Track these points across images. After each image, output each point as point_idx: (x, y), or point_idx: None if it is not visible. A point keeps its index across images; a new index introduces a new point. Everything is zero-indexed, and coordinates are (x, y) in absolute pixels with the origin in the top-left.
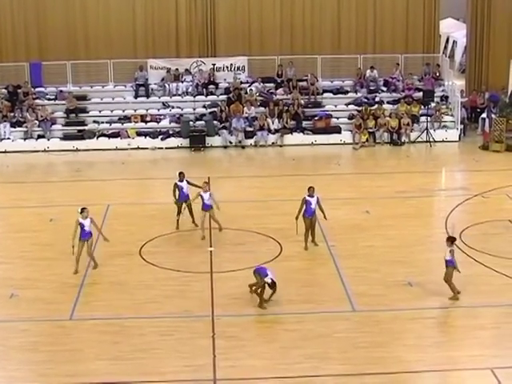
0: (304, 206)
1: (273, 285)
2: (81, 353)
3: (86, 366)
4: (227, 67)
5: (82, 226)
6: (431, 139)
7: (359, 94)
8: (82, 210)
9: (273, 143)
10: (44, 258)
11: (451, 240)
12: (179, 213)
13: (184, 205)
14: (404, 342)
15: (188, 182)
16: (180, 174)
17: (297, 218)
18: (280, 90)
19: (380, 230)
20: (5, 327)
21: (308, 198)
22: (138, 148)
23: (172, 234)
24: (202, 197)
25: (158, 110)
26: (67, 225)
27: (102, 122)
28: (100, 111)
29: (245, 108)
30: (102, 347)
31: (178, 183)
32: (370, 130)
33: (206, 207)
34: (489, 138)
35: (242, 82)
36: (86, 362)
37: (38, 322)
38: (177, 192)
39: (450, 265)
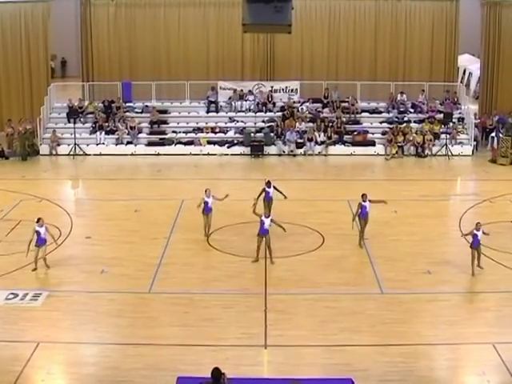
0: (360, 210)
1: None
2: (157, 320)
3: (161, 331)
4: (283, 89)
5: (205, 203)
6: (449, 153)
7: (391, 114)
8: (206, 189)
9: (319, 153)
10: (129, 242)
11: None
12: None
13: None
14: (422, 319)
15: (275, 188)
16: (267, 182)
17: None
18: (326, 109)
19: (405, 227)
20: (96, 297)
21: (362, 203)
22: (208, 154)
23: (234, 225)
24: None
25: (226, 123)
26: (149, 215)
27: (180, 132)
28: (178, 123)
29: (297, 123)
30: (174, 316)
31: (267, 189)
32: (399, 144)
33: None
34: (496, 154)
35: (294, 102)
36: (161, 328)
37: (122, 293)
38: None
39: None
